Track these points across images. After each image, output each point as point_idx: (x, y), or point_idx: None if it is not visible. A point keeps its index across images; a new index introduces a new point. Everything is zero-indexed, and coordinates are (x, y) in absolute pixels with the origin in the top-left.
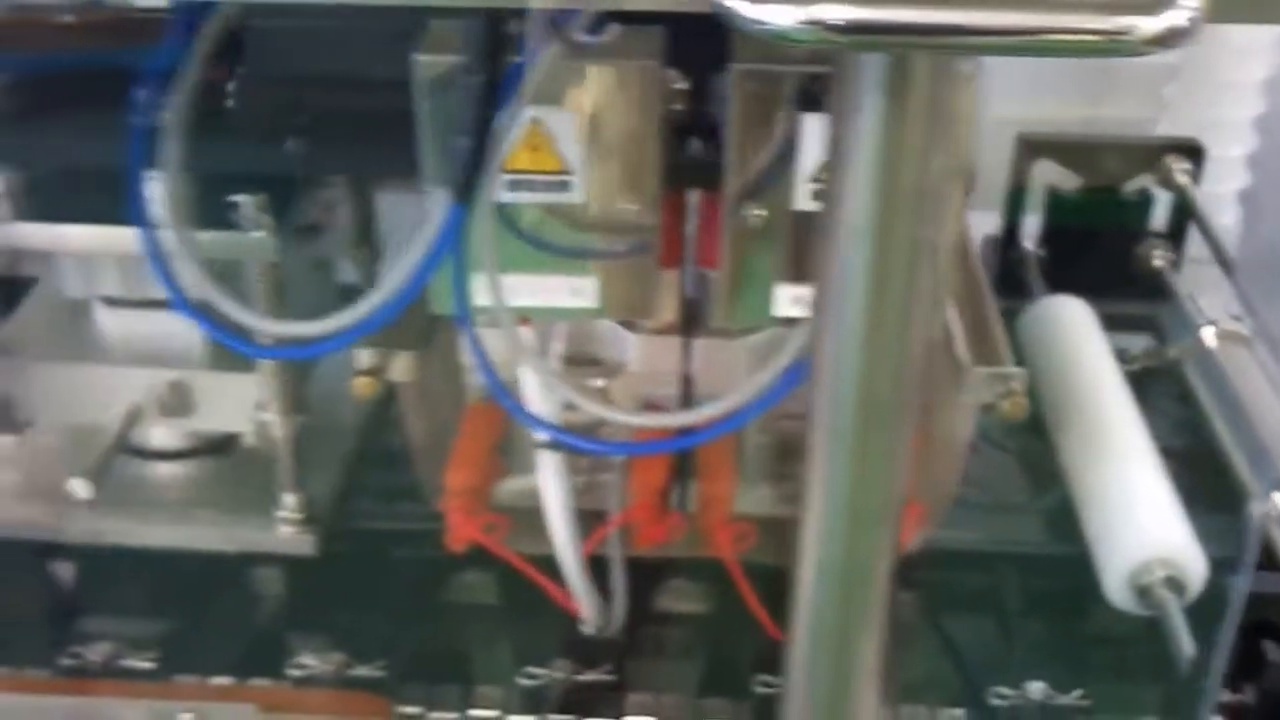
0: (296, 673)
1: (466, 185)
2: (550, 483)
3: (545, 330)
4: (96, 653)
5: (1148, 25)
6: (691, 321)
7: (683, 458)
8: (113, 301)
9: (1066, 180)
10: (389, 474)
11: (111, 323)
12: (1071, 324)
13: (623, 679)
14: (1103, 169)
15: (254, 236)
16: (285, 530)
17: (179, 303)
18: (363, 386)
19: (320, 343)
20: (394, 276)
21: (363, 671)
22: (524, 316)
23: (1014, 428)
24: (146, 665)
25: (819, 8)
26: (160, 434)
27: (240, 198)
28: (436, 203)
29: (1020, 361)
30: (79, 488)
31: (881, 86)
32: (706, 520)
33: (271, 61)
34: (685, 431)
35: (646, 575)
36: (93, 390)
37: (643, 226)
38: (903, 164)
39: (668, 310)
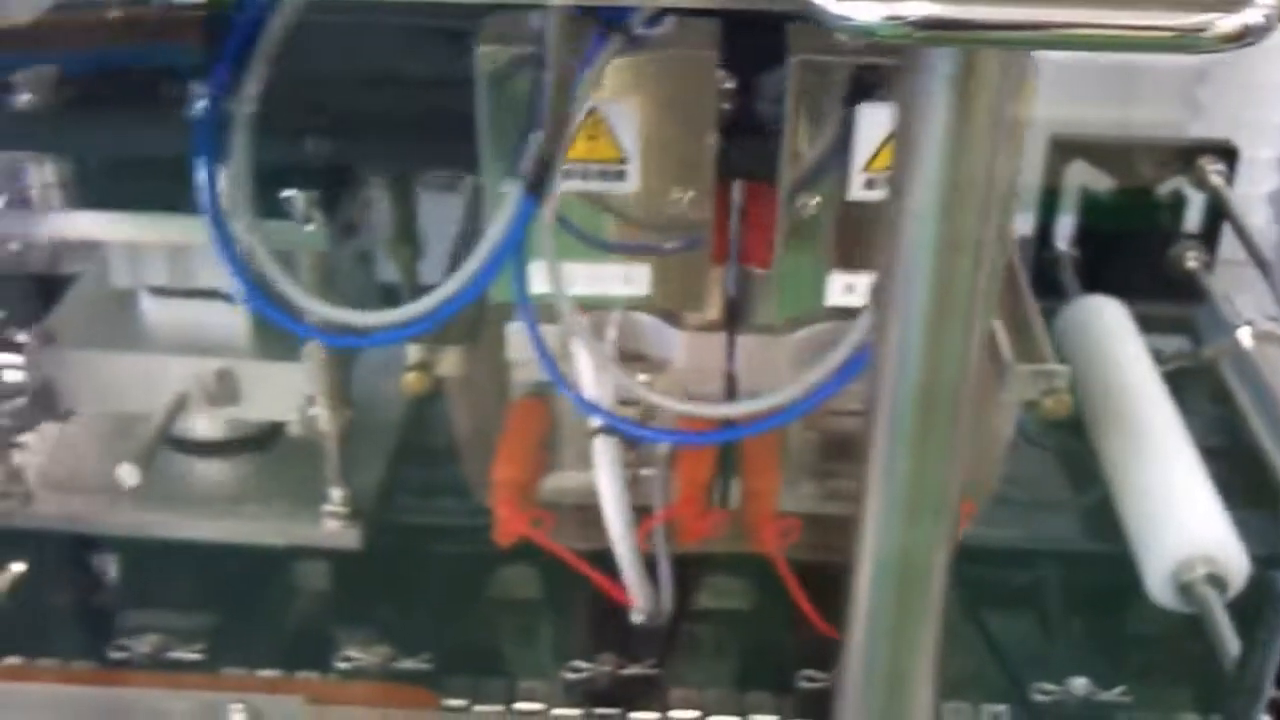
0: (343, 665)
1: (539, 178)
2: (605, 468)
3: (598, 321)
4: (144, 644)
5: (1224, 23)
6: (735, 318)
7: (727, 453)
8: (159, 291)
9: (1099, 181)
10: (432, 469)
11: (157, 312)
12: (1107, 324)
13: (666, 673)
14: (1136, 170)
15: (306, 229)
16: (331, 524)
17: (252, 295)
18: (412, 382)
19: (395, 331)
20: (468, 266)
21: (408, 664)
22: (579, 305)
23: (1052, 426)
24: (194, 657)
25: (902, 5)
26: (205, 427)
27: (291, 192)
28: (497, 194)
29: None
30: (127, 474)
31: (952, 80)
32: (751, 515)
33: (313, 57)
34: (735, 424)
35: (691, 570)
36: (139, 379)
37: (696, 218)
38: (969, 157)
39: (713, 306)
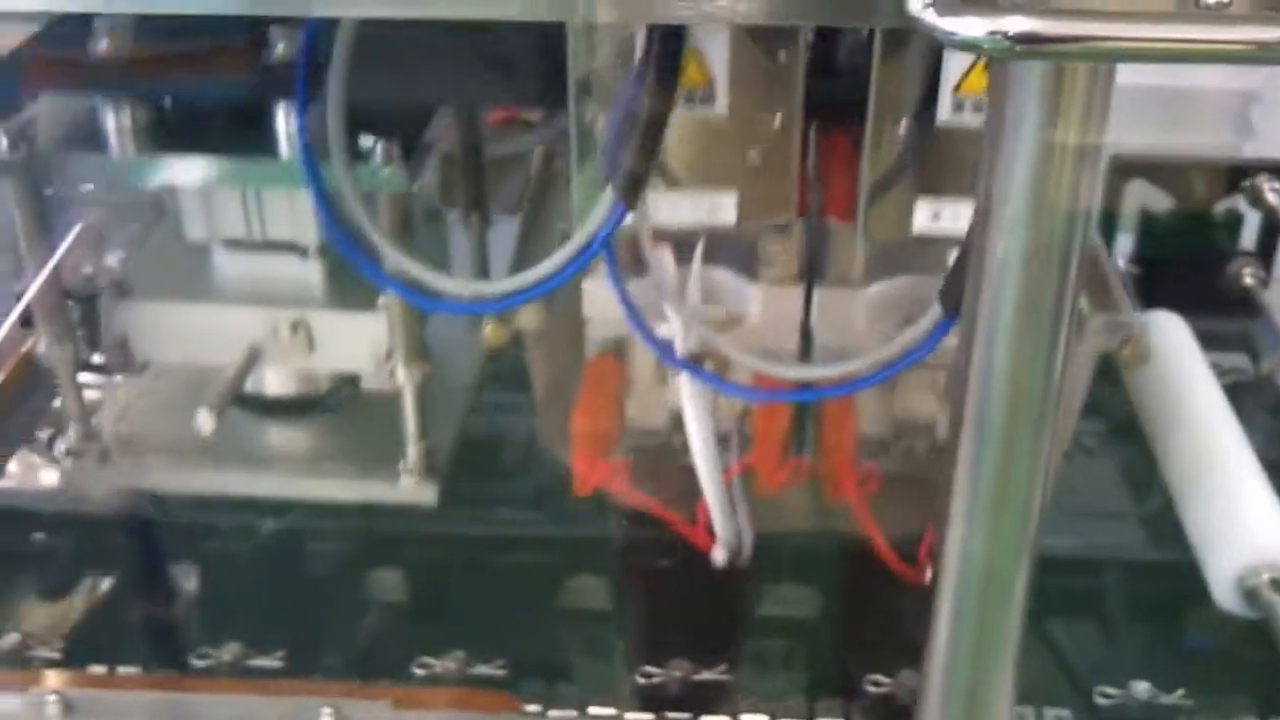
0: (421, 671)
1: (632, 185)
2: (691, 401)
3: (682, 275)
4: (229, 651)
5: None
6: (812, 272)
7: (803, 405)
8: (233, 244)
9: (1157, 201)
10: (505, 424)
11: (231, 265)
12: (1168, 338)
13: (736, 678)
14: (1193, 189)
15: (386, 170)
16: (408, 481)
17: (346, 246)
18: (492, 334)
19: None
20: (557, 257)
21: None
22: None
23: (1114, 438)
24: (275, 664)
25: (1003, 20)
26: (279, 385)
27: (370, 139)
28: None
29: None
30: (204, 420)
31: (1042, 93)
32: (829, 466)
33: None
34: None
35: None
36: (213, 331)
37: (781, 145)
38: (1058, 169)
39: (790, 261)
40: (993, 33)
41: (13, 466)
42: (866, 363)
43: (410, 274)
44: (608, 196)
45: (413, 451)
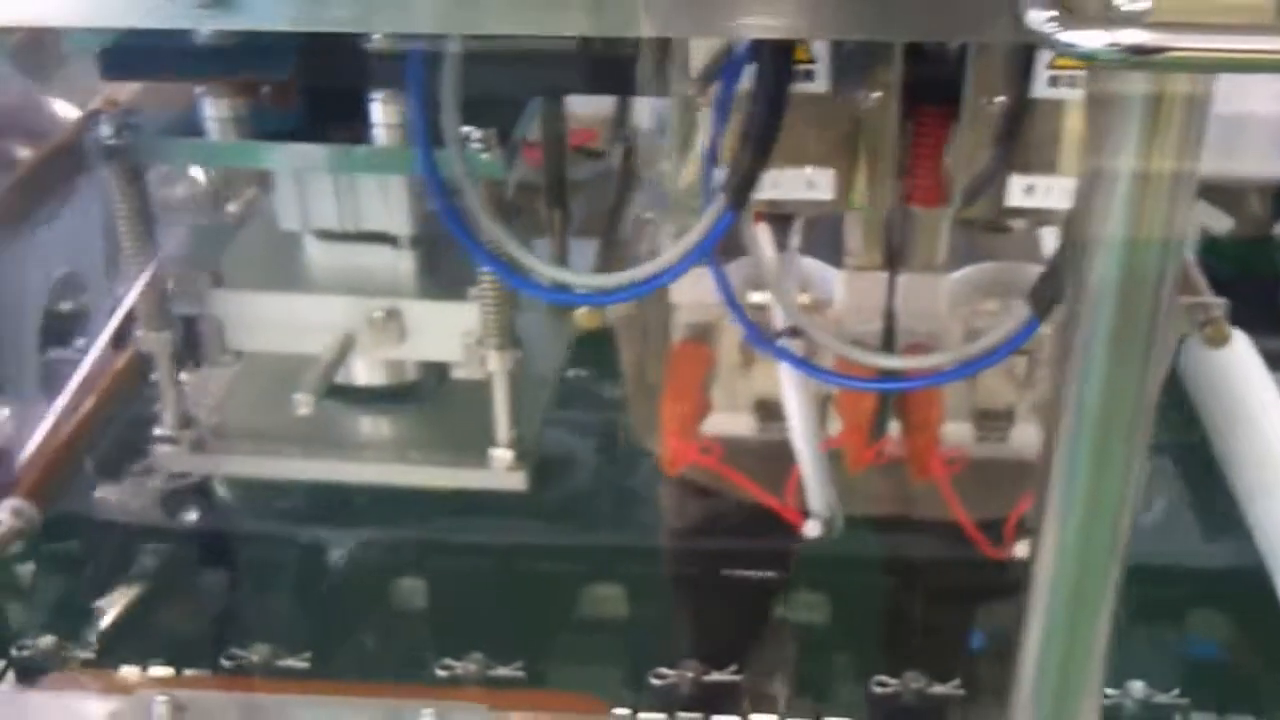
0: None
1: (740, 192)
2: (790, 382)
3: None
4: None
5: None
6: (895, 259)
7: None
8: (325, 234)
9: (1218, 222)
10: (589, 411)
11: (323, 255)
12: (1234, 356)
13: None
14: (1252, 211)
15: (485, 157)
16: (499, 466)
17: (455, 228)
18: (585, 317)
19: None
20: (665, 257)
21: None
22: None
23: (1184, 458)
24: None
25: (1118, 33)
26: (368, 374)
27: (469, 128)
28: None
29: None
30: (302, 402)
31: (1143, 114)
32: (915, 446)
33: None
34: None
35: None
36: (305, 320)
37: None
38: (1156, 173)
39: (874, 247)
40: (1110, 45)
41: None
42: (954, 356)
43: (525, 264)
44: (718, 199)
45: (503, 437)
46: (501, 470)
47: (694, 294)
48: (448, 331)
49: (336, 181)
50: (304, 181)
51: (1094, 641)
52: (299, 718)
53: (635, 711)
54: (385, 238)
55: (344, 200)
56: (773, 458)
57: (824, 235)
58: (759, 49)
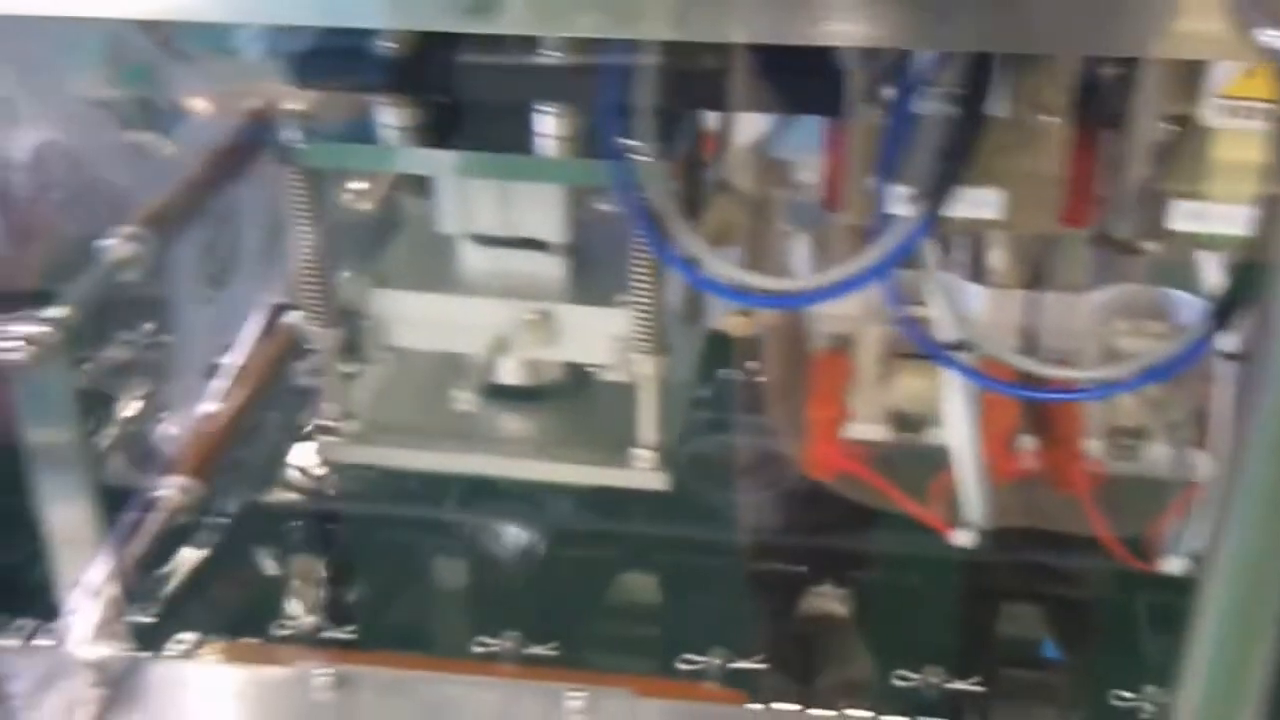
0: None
1: (938, 199)
2: (953, 391)
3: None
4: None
5: None
6: (1037, 277)
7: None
8: (481, 239)
9: None
10: (728, 414)
11: (479, 258)
12: None
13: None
14: None
15: (650, 163)
16: (642, 466)
17: (651, 236)
18: (738, 325)
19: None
20: (859, 261)
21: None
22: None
23: None
24: (547, 653)
25: None
26: (514, 373)
27: (633, 141)
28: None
29: None
30: (464, 400)
31: None
32: (1057, 458)
33: None
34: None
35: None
36: (460, 320)
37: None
38: None
39: (1016, 266)
40: None
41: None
42: (1130, 367)
43: (717, 268)
44: (914, 205)
45: (648, 439)
46: (645, 470)
47: (835, 305)
48: (597, 335)
49: (497, 189)
50: (465, 189)
51: (1259, 662)
52: (451, 695)
53: (768, 705)
54: (539, 244)
55: (503, 207)
56: (906, 466)
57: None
58: (958, 65)
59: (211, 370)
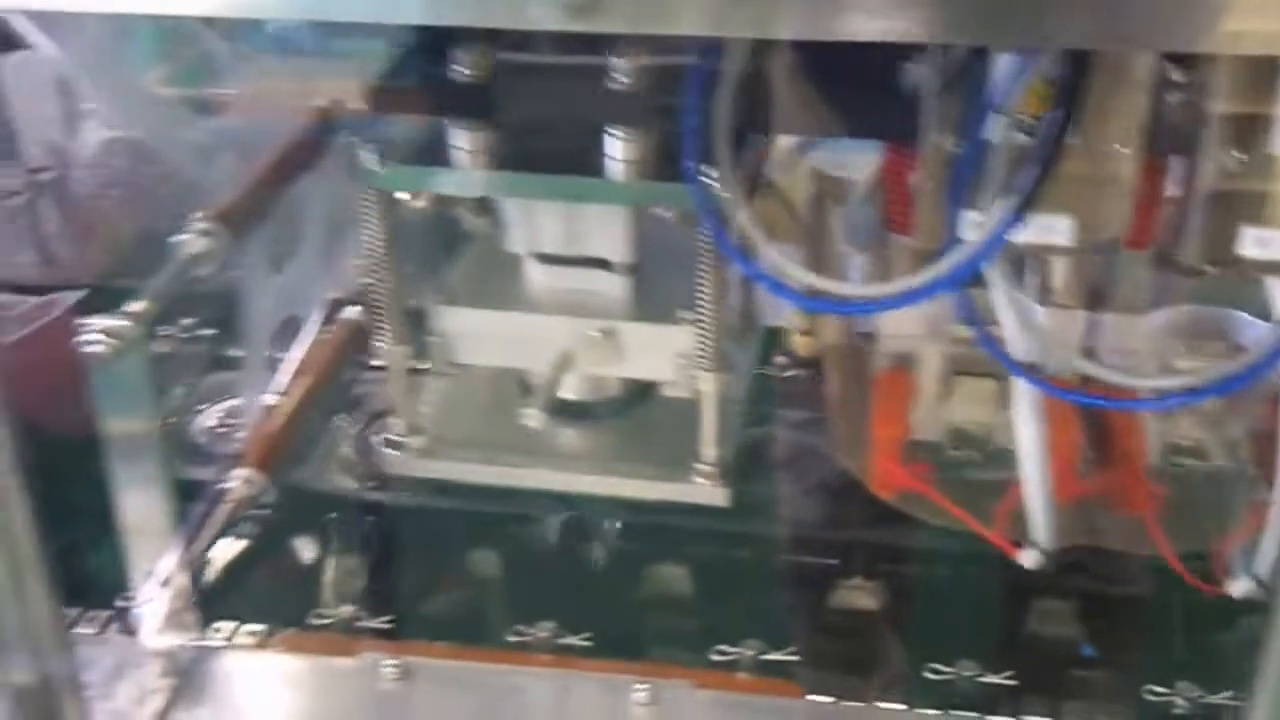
0: (717, 657)
1: (1029, 201)
2: (1026, 407)
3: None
4: (542, 630)
5: None
6: (1097, 297)
7: (1094, 418)
8: (545, 258)
9: None
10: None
11: (543, 276)
12: None
13: (1023, 682)
14: None
15: (727, 184)
16: (702, 482)
17: (732, 254)
18: (803, 345)
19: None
20: (943, 265)
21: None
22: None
23: None
24: (584, 643)
25: None
26: (575, 389)
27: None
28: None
29: None
30: (534, 419)
31: None
32: (1122, 477)
33: None
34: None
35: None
36: (525, 337)
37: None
38: None
39: (1076, 285)
40: None
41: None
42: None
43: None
44: (999, 210)
45: (709, 454)
46: (706, 486)
47: (898, 324)
48: (661, 352)
49: (562, 209)
50: (530, 209)
51: None
52: (520, 686)
53: (837, 699)
54: (603, 263)
55: (568, 227)
56: (967, 484)
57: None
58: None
59: (273, 363)
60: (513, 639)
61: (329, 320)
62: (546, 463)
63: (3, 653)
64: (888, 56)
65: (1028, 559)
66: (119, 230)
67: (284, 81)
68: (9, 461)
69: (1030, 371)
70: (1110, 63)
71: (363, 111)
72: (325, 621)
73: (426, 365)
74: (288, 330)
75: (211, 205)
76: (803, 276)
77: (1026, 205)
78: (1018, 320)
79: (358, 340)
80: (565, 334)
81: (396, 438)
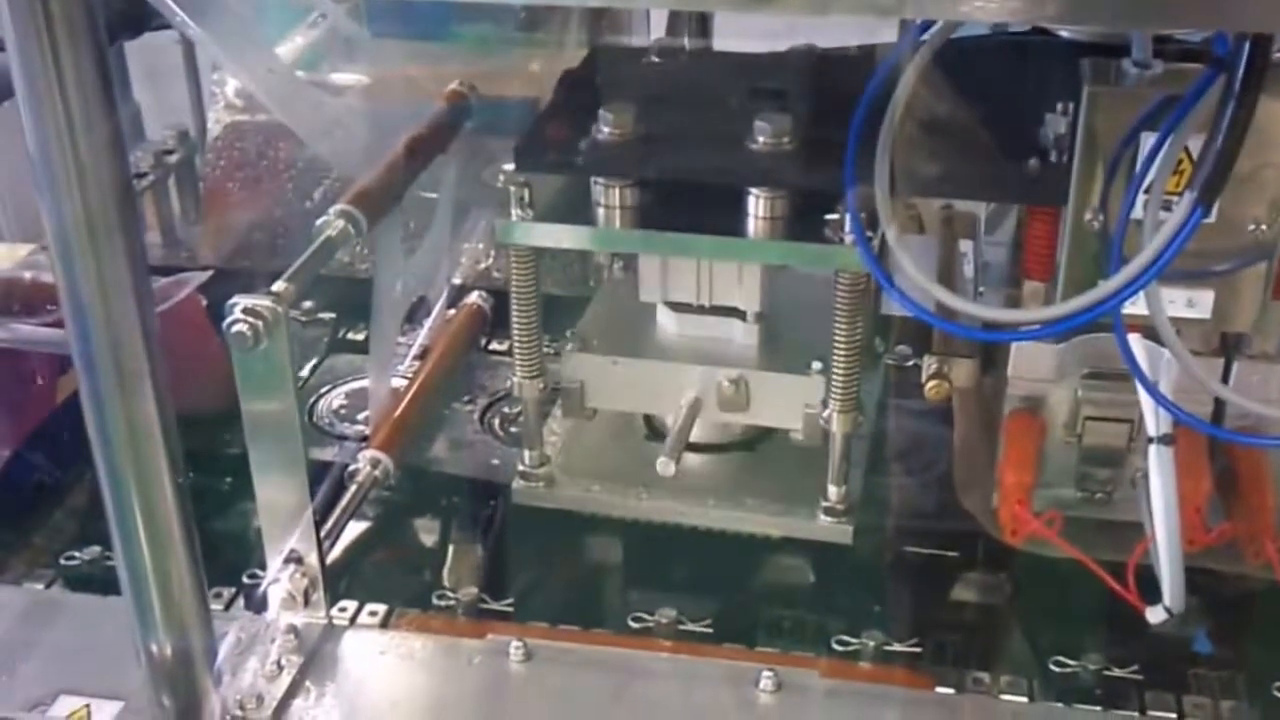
0: (839, 648)
1: (1211, 188)
2: (1160, 472)
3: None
4: (662, 616)
5: None
6: (1230, 345)
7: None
8: (677, 306)
9: None
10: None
11: (675, 325)
12: None
13: (1145, 678)
14: None
15: (846, 249)
16: (826, 520)
17: (898, 296)
18: (934, 390)
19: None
20: (1125, 272)
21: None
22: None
23: None
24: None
25: None
26: (705, 431)
27: (834, 216)
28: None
29: None
30: (663, 466)
31: None
32: (1250, 530)
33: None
34: None
35: None
36: (656, 383)
37: (1262, 245)
38: None
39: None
40: None
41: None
42: None
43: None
44: (1187, 200)
45: (834, 493)
46: (830, 523)
47: (1031, 368)
48: (790, 402)
49: (698, 262)
50: (667, 261)
51: None
52: (644, 669)
53: (959, 691)
54: (735, 311)
55: (701, 277)
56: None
57: None
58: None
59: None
60: (634, 624)
61: (453, 305)
62: (671, 496)
63: (145, 626)
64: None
65: (1154, 616)
66: (244, 212)
67: (415, 65)
68: (162, 444)
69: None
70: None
71: (492, 97)
72: (448, 604)
73: (561, 403)
74: (414, 314)
75: (348, 189)
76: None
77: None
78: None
79: (481, 325)
80: (696, 382)
81: (526, 468)
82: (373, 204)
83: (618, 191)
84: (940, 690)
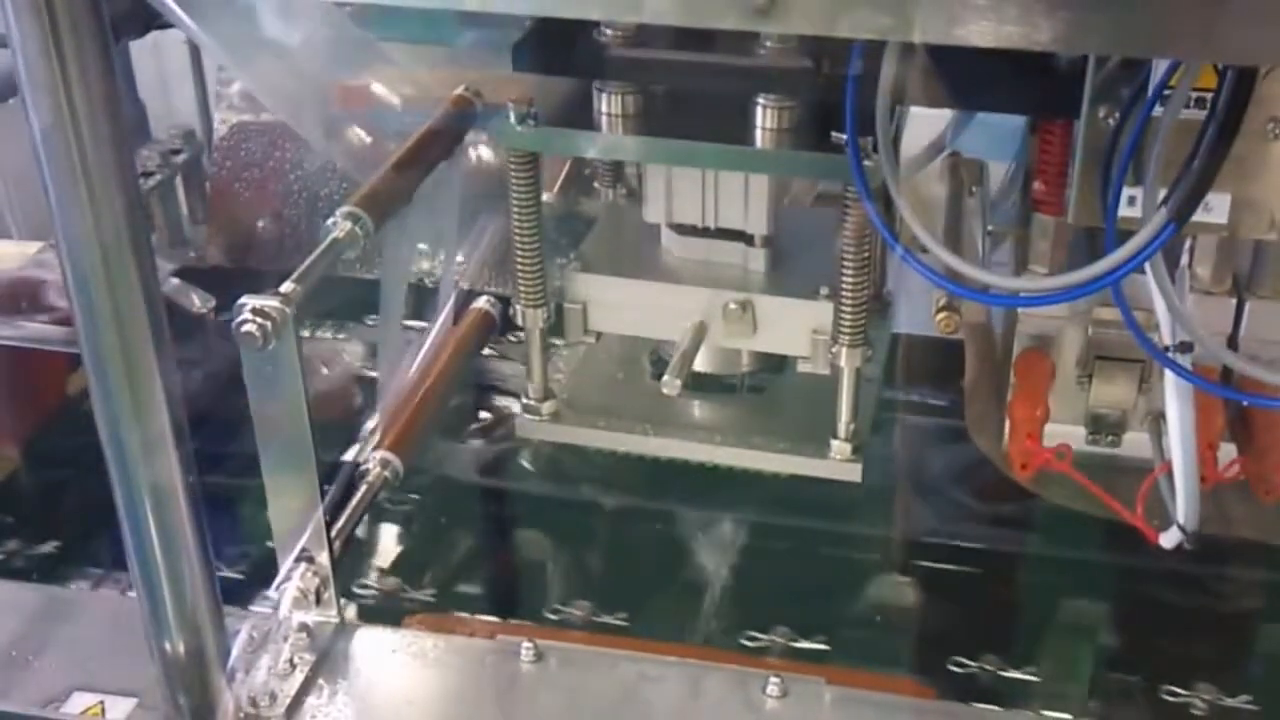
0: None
1: (1185, 210)
2: (1175, 395)
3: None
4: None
5: None
6: (1242, 284)
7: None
8: (683, 229)
9: None
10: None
11: (680, 247)
12: None
13: None
14: None
15: (866, 163)
16: (837, 457)
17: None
18: (944, 322)
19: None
20: (1098, 266)
21: None
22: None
23: None
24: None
25: None
26: (710, 361)
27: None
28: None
29: None
30: (669, 385)
31: None
32: (1264, 467)
33: None
34: None
35: None
36: (661, 307)
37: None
38: None
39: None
40: None
41: None
42: None
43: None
44: (1159, 218)
45: (843, 430)
46: (839, 461)
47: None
48: (797, 327)
49: (701, 181)
50: (670, 179)
51: None
52: (653, 672)
53: (966, 701)
54: (740, 235)
55: (707, 199)
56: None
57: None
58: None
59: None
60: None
61: (461, 309)
62: (679, 433)
63: (158, 624)
64: None
65: (1168, 540)
66: (249, 212)
67: (421, 70)
68: (173, 445)
69: (1177, 359)
70: None
71: (498, 104)
72: (457, 601)
73: (564, 331)
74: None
75: (356, 192)
76: (980, 276)
77: (1202, 186)
78: (1175, 305)
79: (489, 329)
80: (701, 305)
81: (530, 401)
82: (380, 206)
83: (619, 98)
84: (943, 703)
